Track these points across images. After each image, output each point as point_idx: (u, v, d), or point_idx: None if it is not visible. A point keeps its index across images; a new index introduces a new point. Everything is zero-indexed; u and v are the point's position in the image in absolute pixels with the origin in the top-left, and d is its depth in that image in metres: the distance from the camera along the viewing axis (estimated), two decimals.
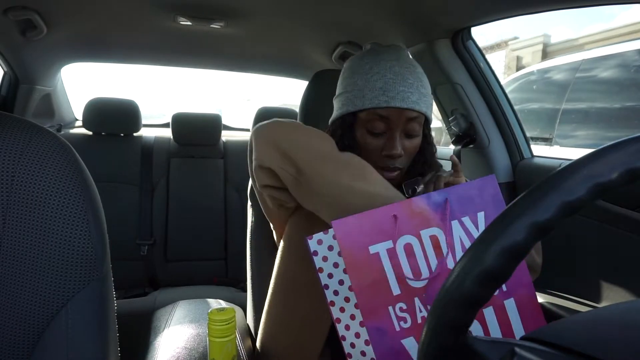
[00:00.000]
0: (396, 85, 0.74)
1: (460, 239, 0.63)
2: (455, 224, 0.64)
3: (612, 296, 1.00)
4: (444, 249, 0.62)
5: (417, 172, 0.83)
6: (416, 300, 0.60)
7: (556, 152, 2.45)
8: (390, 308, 0.58)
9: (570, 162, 0.32)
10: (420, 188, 0.71)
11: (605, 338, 0.32)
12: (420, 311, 0.59)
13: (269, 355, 0.79)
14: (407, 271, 0.60)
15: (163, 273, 2.04)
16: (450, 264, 0.62)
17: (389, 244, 0.60)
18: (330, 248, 0.63)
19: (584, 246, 1.09)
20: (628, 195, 0.96)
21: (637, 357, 0.28)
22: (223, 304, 0.98)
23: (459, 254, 0.63)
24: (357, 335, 0.62)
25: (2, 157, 0.57)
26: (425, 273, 0.61)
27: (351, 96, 0.77)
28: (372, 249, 0.60)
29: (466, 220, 0.64)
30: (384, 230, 0.61)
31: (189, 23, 1.42)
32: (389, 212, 0.62)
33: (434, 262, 0.62)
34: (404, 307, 0.59)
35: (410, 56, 0.83)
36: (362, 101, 0.76)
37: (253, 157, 0.73)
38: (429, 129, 0.84)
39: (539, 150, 1.45)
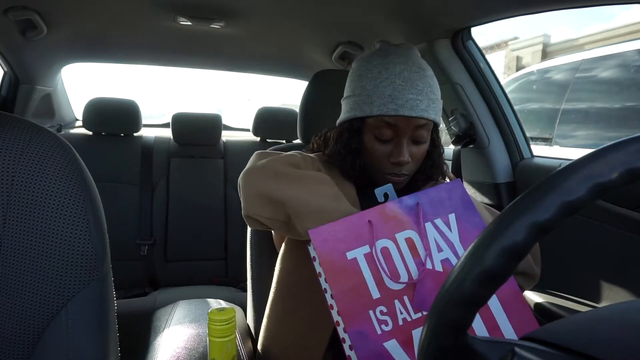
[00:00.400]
0: (405, 92, 0.73)
1: (435, 239, 0.65)
2: (428, 225, 0.65)
3: (612, 296, 1.00)
4: (420, 251, 0.63)
5: (424, 174, 0.83)
6: (396, 302, 0.60)
7: (556, 152, 2.45)
8: (370, 312, 0.59)
9: (570, 162, 0.32)
10: (391, 193, 0.71)
11: (605, 338, 0.32)
12: (401, 313, 0.59)
13: (270, 356, 0.79)
14: (385, 274, 0.61)
15: (163, 273, 2.04)
16: (429, 264, 0.63)
17: (365, 248, 0.61)
18: None
19: (584, 246, 1.09)
20: (628, 195, 0.96)
21: (637, 357, 0.28)
22: (223, 304, 0.98)
23: (436, 254, 0.64)
24: None
25: (2, 157, 0.57)
26: (404, 275, 0.61)
27: (359, 101, 0.76)
28: (350, 255, 0.60)
29: (439, 222, 0.66)
30: (360, 236, 0.61)
31: (189, 23, 1.42)
32: (364, 217, 0.63)
33: (411, 263, 0.62)
34: (385, 310, 0.59)
35: (420, 56, 0.81)
36: (370, 107, 0.75)
37: (242, 204, 0.73)
38: (437, 133, 0.83)
39: (539, 150, 1.45)
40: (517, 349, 0.32)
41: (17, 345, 0.56)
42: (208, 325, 0.63)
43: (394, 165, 0.76)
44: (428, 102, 0.74)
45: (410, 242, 0.64)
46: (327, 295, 0.62)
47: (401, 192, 0.78)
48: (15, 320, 0.56)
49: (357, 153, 0.79)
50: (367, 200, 0.80)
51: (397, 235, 0.63)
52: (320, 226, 0.61)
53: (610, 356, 0.29)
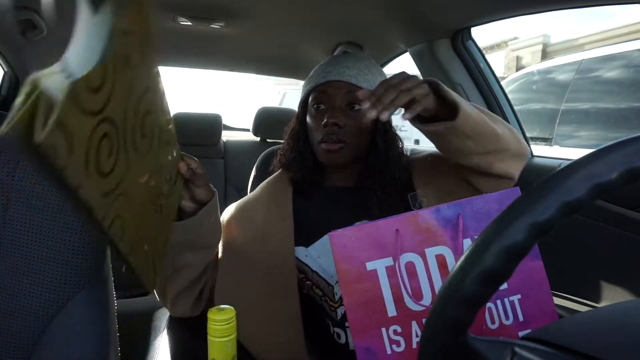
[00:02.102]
0: (335, 65, 0.80)
1: None
2: (467, 242, 0.58)
3: (612, 296, 1.00)
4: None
5: (372, 163, 0.79)
6: (414, 324, 0.56)
7: (556, 152, 2.45)
8: (383, 329, 0.55)
9: (570, 162, 0.32)
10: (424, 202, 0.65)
11: (605, 338, 0.32)
12: (417, 336, 0.55)
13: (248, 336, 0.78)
14: (406, 293, 0.56)
15: None
16: None
17: (388, 261, 0.56)
18: None
19: (584, 246, 1.09)
20: (628, 195, 0.96)
21: (637, 357, 0.28)
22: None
23: None
24: None
25: (3, 157, 0.57)
26: (427, 296, 0.56)
27: (304, 85, 0.85)
28: (370, 266, 0.56)
29: None
30: (385, 246, 0.57)
31: (189, 23, 1.42)
32: (392, 226, 0.58)
33: (439, 284, 0.57)
34: (399, 330, 0.55)
35: (372, 62, 0.86)
36: (308, 84, 0.83)
37: None
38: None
39: (539, 150, 1.45)
40: (517, 349, 0.32)
41: (17, 345, 0.56)
42: (208, 325, 0.63)
43: (326, 129, 0.76)
44: (358, 72, 0.78)
45: (441, 260, 0.57)
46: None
47: (353, 189, 0.79)
48: (15, 321, 0.56)
49: (302, 134, 0.82)
50: (304, 209, 0.80)
51: (427, 251, 0.57)
52: (342, 229, 0.57)
53: (610, 356, 0.29)
